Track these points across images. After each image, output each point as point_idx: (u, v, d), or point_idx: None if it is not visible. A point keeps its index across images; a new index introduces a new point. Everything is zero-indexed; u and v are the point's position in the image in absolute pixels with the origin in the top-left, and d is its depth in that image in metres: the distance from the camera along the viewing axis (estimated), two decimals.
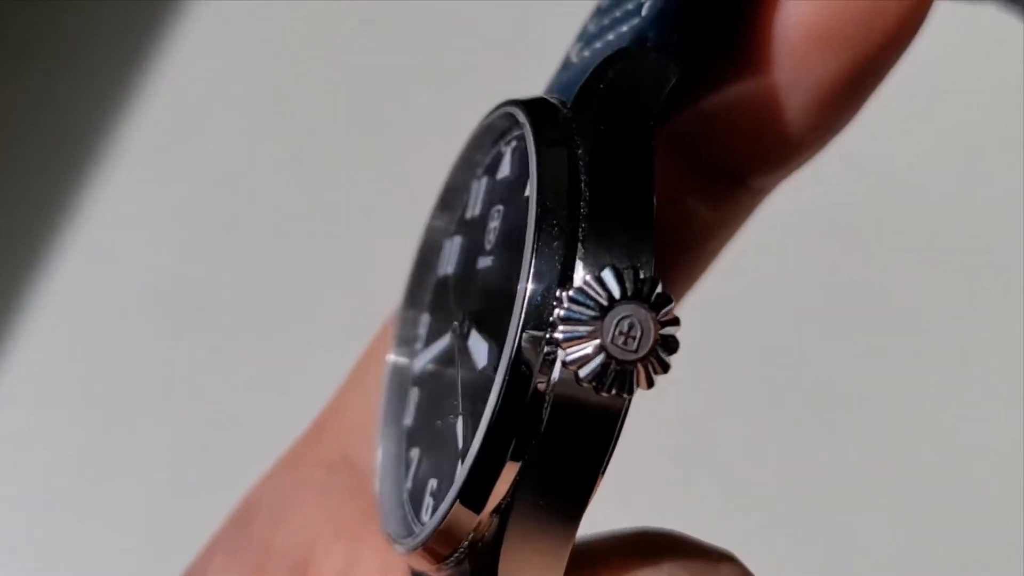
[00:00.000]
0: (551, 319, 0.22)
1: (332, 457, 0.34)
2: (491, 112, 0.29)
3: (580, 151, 0.24)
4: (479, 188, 0.29)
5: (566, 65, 0.30)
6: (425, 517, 0.26)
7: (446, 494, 0.25)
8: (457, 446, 0.25)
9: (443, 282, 0.30)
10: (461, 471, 0.23)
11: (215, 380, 0.45)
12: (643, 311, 0.21)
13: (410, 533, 0.27)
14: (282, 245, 0.55)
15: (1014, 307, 0.54)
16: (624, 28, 0.27)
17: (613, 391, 0.21)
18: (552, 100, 0.26)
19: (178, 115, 0.65)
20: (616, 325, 0.21)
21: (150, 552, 0.46)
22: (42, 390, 0.54)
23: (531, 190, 0.23)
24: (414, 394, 0.30)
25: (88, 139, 0.63)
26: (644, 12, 0.26)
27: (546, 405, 0.22)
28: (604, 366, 0.21)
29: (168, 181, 0.62)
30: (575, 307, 0.21)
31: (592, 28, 0.30)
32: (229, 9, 0.68)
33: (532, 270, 0.22)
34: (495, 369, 0.24)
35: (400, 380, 0.31)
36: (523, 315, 0.22)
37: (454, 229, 0.30)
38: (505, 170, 0.27)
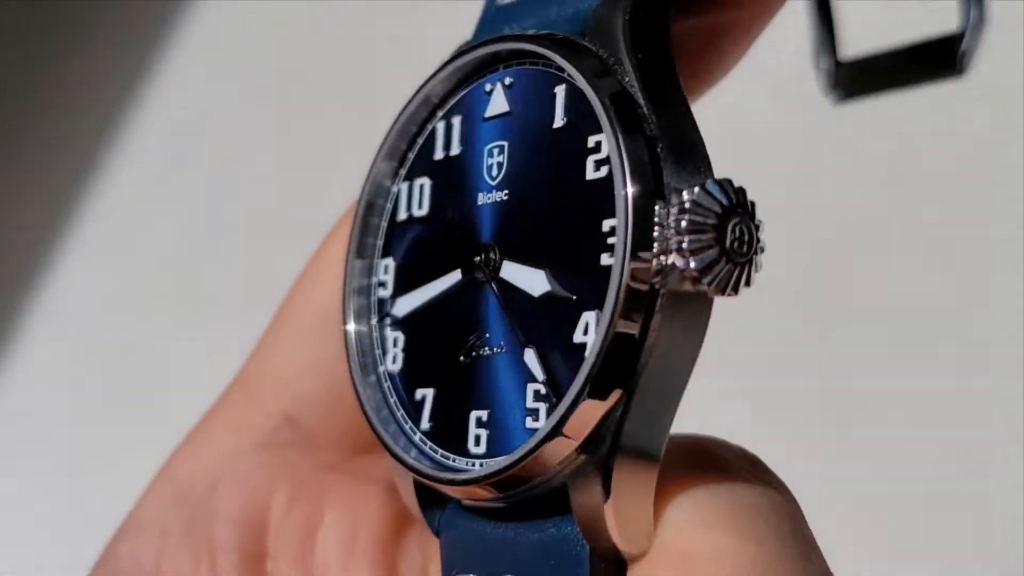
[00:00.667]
0: (662, 231, 0.23)
1: (272, 416, 0.33)
2: (458, 54, 0.29)
3: (626, 79, 0.25)
4: (451, 128, 0.29)
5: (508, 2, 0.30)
6: (477, 449, 0.26)
7: (514, 424, 0.26)
8: (531, 375, 0.25)
9: (409, 224, 0.30)
10: (563, 401, 0.24)
11: (217, 380, 0.42)
12: (747, 218, 0.24)
13: (450, 469, 0.27)
14: (284, 246, 0.53)
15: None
16: None
17: (730, 291, 0.23)
18: (564, 35, 0.27)
19: (179, 119, 0.62)
20: (731, 231, 0.23)
21: None
22: (45, 387, 0.52)
23: (601, 115, 0.25)
24: (395, 338, 0.30)
25: (91, 143, 0.60)
26: None
27: (657, 313, 0.24)
28: (728, 269, 0.23)
29: (170, 183, 0.60)
30: (695, 217, 0.23)
31: None
32: (230, 14, 0.65)
33: (629, 186, 0.24)
34: (572, 293, 0.25)
35: (367, 329, 0.30)
36: (631, 229, 0.23)
37: (409, 173, 0.30)
38: (500, 107, 0.28)
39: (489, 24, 0.30)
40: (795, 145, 0.60)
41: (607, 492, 0.24)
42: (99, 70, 0.64)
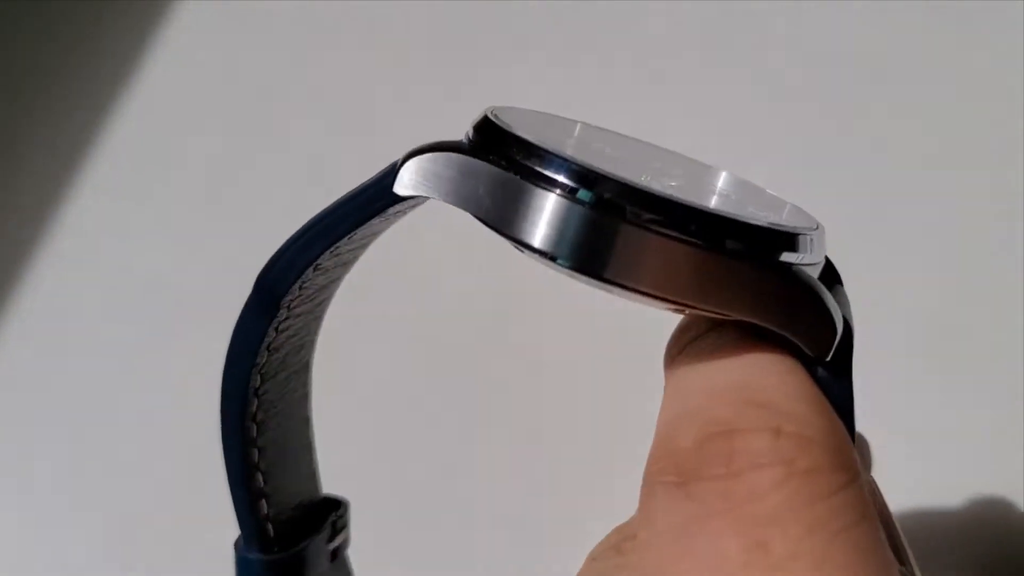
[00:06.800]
0: None
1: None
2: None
3: None
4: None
5: None
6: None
7: None
8: None
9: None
10: None
11: (203, 385, 0.46)
12: None
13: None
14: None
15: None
16: None
17: None
18: None
19: (167, 118, 0.62)
20: None
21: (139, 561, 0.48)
22: (27, 392, 0.51)
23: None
24: None
25: (76, 141, 0.61)
26: None
27: None
28: None
29: (156, 183, 0.59)
30: None
31: None
32: (219, 14, 0.65)
33: None
34: None
35: None
36: None
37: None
38: None
39: None
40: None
41: None
42: (85, 72, 0.64)
